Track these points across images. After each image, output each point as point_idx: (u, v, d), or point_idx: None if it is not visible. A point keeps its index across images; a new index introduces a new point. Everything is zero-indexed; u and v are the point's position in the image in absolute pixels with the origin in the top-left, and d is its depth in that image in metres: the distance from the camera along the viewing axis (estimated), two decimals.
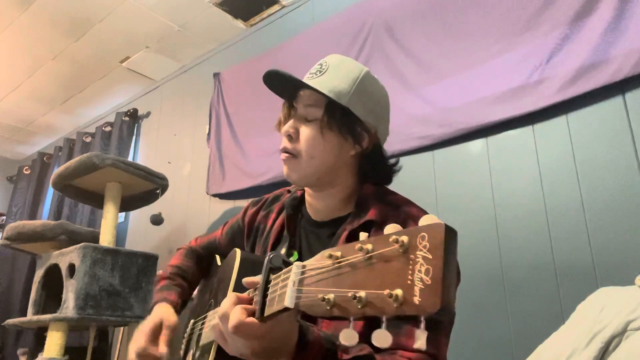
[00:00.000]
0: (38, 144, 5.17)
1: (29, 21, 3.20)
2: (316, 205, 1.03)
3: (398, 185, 1.04)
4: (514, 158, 1.90)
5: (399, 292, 0.39)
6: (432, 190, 2.09)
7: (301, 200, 1.08)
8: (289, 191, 1.15)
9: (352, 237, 0.91)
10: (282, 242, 1.04)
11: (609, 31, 1.72)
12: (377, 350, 0.78)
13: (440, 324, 0.83)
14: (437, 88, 2.15)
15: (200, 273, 1.28)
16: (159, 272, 1.32)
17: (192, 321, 1.12)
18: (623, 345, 1.15)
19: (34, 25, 3.24)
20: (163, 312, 1.05)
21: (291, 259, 1.01)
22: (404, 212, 0.92)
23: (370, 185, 1.00)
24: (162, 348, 0.98)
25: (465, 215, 1.95)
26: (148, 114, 4.04)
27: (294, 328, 0.66)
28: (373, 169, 1.01)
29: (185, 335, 1.12)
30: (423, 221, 0.41)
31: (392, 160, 1.04)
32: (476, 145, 2.02)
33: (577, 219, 1.69)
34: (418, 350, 0.78)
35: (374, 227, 0.91)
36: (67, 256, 2.46)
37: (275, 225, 1.09)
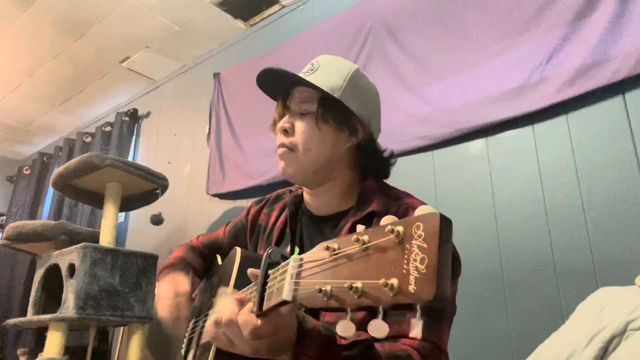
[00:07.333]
0: (38, 144, 5.16)
1: (29, 21, 3.20)
2: (315, 202, 1.04)
3: (398, 185, 1.05)
4: (514, 158, 1.90)
5: (394, 281, 0.39)
6: (432, 190, 2.08)
7: (302, 198, 1.10)
8: (290, 191, 1.16)
9: (356, 228, 0.93)
10: (284, 240, 1.06)
11: (609, 31, 1.72)
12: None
13: (442, 314, 0.84)
14: (437, 88, 2.14)
15: (204, 265, 1.28)
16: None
17: (193, 320, 1.13)
18: (623, 345, 1.15)
19: (34, 25, 3.24)
20: (172, 280, 1.12)
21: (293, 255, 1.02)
22: (406, 203, 0.95)
23: (372, 181, 1.02)
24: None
25: (465, 215, 1.95)
26: (148, 114, 4.04)
27: (294, 321, 0.66)
28: (369, 162, 1.03)
29: (187, 334, 1.12)
30: (419, 211, 0.41)
31: (387, 153, 1.06)
32: (476, 145, 2.02)
33: (577, 219, 1.69)
34: (421, 338, 0.79)
35: (377, 217, 0.92)
36: (67, 256, 2.45)
37: (278, 223, 1.10)
